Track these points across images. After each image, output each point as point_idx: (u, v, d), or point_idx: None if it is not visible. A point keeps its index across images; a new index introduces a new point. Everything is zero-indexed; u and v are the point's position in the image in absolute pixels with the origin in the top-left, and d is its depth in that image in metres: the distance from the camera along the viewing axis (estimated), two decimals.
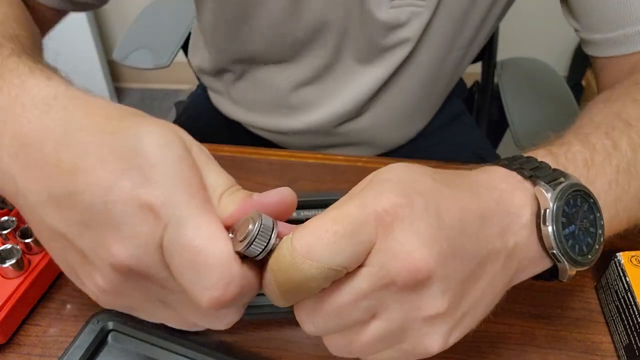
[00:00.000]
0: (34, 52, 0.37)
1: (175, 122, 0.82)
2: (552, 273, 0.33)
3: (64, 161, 0.27)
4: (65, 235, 0.27)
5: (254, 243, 0.26)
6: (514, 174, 0.32)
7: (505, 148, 0.89)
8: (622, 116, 0.41)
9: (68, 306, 0.43)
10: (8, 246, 0.41)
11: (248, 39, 0.65)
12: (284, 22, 0.60)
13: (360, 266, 0.26)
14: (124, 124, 0.28)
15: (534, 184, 0.31)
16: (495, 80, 0.96)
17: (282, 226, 0.27)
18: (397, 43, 0.61)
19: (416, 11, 0.58)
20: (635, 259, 0.42)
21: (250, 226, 0.26)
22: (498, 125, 0.96)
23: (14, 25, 0.41)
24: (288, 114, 0.73)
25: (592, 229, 0.32)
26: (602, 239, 0.33)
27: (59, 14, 0.56)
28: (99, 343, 0.37)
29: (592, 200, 0.33)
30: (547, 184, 0.31)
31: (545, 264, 0.32)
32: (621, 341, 0.41)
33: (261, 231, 0.26)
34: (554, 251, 0.30)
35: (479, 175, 0.32)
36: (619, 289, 0.42)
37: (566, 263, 0.31)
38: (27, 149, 0.28)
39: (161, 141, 0.27)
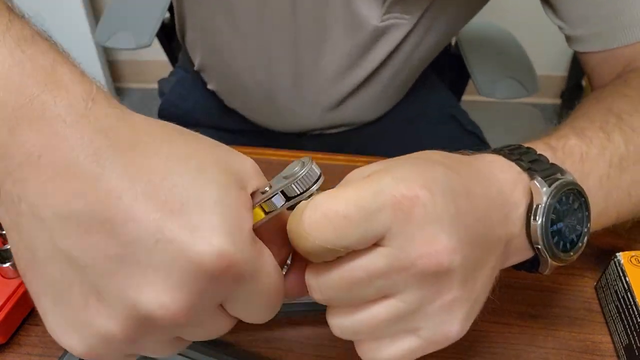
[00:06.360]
0: None
1: (163, 102, 0.84)
2: (532, 264, 0.34)
3: (104, 180, 0.22)
4: (79, 265, 0.22)
5: (295, 183, 0.26)
6: (513, 164, 0.33)
7: (464, 105, 0.93)
8: (613, 111, 0.42)
9: None
10: (8, 246, 0.41)
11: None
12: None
13: (376, 245, 0.26)
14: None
15: (531, 177, 0.32)
16: (453, 40, 1.01)
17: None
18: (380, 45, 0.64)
19: (397, 23, 0.61)
20: (635, 259, 0.42)
21: (297, 168, 0.26)
22: (457, 85, 1.02)
23: None
24: (276, 116, 0.76)
25: (578, 227, 0.33)
26: (586, 238, 0.33)
27: None
28: None
29: (583, 198, 0.33)
30: (543, 179, 0.31)
31: (527, 254, 0.33)
32: (621, 341, 0.41)
33: (306, 175, 0.26)
34: (539, 246, 0.31)
35: (480, 163, 0.33)
36: (618, 289, 0.42)
37: (548, 258, 0.32)
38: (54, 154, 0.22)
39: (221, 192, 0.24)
